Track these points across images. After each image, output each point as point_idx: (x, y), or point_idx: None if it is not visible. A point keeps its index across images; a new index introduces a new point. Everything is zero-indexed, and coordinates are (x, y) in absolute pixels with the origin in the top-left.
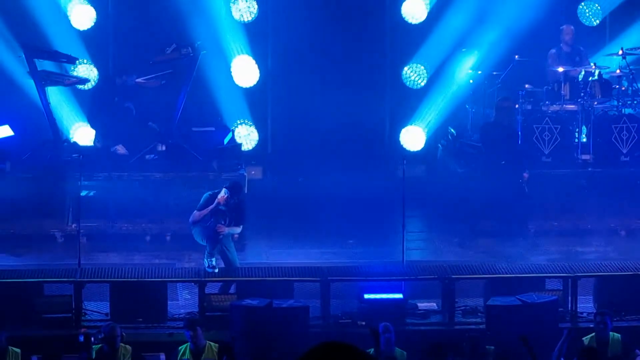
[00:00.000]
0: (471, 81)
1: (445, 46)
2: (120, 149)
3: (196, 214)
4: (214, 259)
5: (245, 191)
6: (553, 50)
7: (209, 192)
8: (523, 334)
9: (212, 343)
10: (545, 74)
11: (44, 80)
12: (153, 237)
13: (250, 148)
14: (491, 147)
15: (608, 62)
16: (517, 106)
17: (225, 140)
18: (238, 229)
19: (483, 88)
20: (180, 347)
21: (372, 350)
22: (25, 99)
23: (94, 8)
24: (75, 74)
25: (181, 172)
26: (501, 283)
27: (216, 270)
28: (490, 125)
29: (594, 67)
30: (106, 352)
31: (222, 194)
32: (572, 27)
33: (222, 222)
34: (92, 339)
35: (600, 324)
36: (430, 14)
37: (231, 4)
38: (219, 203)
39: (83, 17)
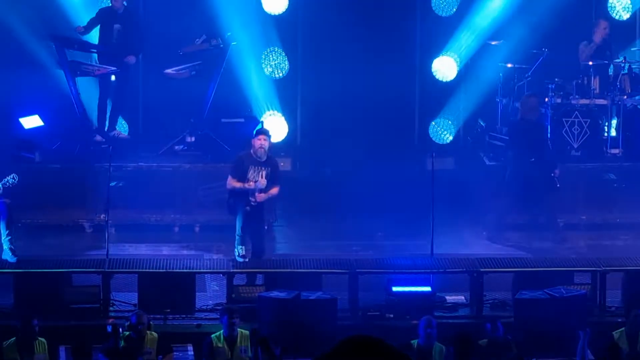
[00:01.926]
0: (500, 74)
1: (476, 39)
2: (120, 133)
3: (230, 181)
4: (243, 248)
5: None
6: (584, 44)
7: (240, 154)
8: None
9: (242, 330)
10: (575, 67)
11: (73, 70)
12: (182, 228)
13: (280, 139)
14: (519, 145)
15: (638, 56)
16: (546, 100)
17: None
18: (276, 191)
19: (513, 81)
20: (213, 335)
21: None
22: (55, 89)
23: None
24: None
25: (210, 163)
26: (529, 277)
27: (247, 260)
28: (517, 123)
29: (624, 61)
30: (133, 340)
31: (258, 140)
32: (608, 22)
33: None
34: (120, 329)
35: (638, 317)
36: (460, 6)
37: None
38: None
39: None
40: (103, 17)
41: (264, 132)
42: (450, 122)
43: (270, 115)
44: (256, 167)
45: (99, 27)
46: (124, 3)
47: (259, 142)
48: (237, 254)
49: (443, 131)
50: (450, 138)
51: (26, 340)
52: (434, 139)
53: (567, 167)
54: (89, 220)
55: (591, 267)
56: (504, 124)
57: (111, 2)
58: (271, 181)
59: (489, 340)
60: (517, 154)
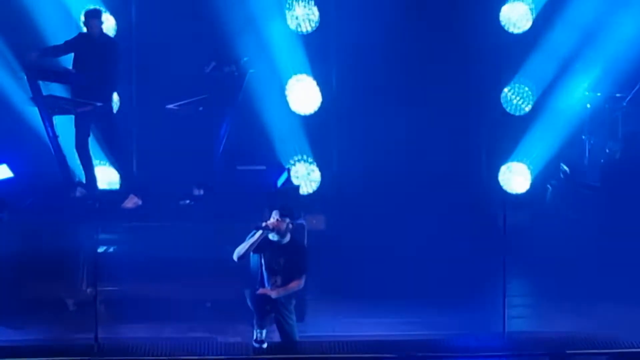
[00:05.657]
0: (588, 105)
1: (556, 62)
2: (130, 202)
3: (239, 248)
4: (263, 331)
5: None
6: None
7: (255, 228)
8: None
9: None
10: None
11: (50, 107)
12: (189, 304)
13: (311, 191)
14: (616, 190)
15: None
16: None
17: (280, 182)
18: (296, 284)
19: (604, 114)
20: None
21: None
22: (27, 131)
23: (114, 16)
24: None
25: (224, 223)
26: None
27: (264, 346)
28: (616, 162)
29: None
30: None
31: (272, 218)
32: None
33: (275, 272)
34: None
35: None
36: (536, 22)
37: (286, 11)
38: (267, 228)
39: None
40: (77, 44)
41: (280, 209)
42: (525, 166)
43: (298, 161)
44: (271, 251)
45: (72, 56)
46: (102, 27)
47: (272, 222)
48: (254, 337)
49: (517, 177)
50: (527, 186)
51: None
52: (505, 187)
53: None
54: (72, 296)
55: None
56: (593, 168)
57: (86, 27)
58: (291, 271)
59: None
60: (614, 203)
